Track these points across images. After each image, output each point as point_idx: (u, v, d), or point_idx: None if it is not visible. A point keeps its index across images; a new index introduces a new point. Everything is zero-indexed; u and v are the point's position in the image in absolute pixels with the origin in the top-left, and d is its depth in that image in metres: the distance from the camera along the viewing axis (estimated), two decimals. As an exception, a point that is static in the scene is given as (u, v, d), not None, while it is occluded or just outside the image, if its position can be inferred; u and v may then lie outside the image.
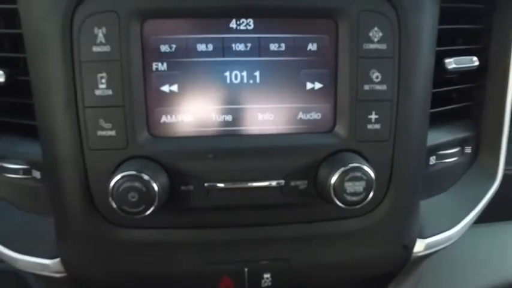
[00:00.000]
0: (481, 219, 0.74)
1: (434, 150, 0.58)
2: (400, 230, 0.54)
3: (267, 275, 0.51)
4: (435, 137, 0.58)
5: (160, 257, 0.51)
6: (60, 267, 0.52)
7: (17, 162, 0.54)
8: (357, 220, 0.52)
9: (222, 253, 0.51)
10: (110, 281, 0.52)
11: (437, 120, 0.58)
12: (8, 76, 0.51)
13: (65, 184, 0.48)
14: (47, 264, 0.52)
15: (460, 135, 0.61)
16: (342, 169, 0.46)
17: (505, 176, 0.64)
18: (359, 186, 0.46)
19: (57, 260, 0.52)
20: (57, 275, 0.52)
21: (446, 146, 0.60)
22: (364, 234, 0.52)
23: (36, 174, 0.54)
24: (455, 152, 0.61)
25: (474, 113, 0.63)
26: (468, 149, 0.62)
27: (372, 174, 0.46)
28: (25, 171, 0.54)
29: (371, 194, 0.46)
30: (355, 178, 0.46)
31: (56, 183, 0.49)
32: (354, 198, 0.46)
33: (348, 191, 0.46)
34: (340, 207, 0.47)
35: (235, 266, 0.51)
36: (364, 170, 0.46)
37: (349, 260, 0.53)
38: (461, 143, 0.61)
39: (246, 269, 0.50)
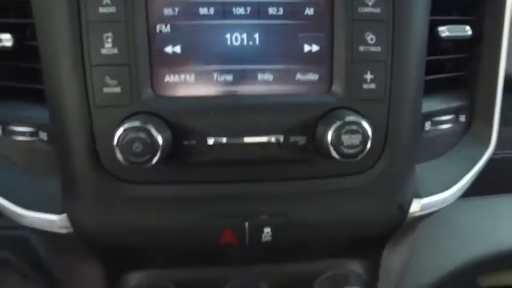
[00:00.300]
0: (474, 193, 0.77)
1: (429, 116, 0.60)
2: (396, 189, 0.55)
3: (267, 230, 0.52)
4: (430, 106, 0.60)
5: (163, 211, 0.52)
6: (66, 223, 0.53)
7: (24, 125, 0.56)
8: (354, 178, 0.53)
9: (223, 207, 0.52)
10: (114, 236, 0.53)
11: (432, 89, 0.60)
12: (15, 41, 0.53)
13: (72, 142, 0.50)
14: (54, 220, 0.54)
15: (454, 104, 0.63)
16: (339, 123, 0.47)
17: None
18: (356, 139, 0.47)
19: (64, 215, 0.54)
20: (63, 231, 0.54)
21: (440, 113, 0.62)
22: (361, 192, 0.54)
23: (43, 135, 0.55)
24: (450, 119, 0.62)
25: (468, 83, 0.65)
26: (462, 118, 0.64)
27: (368, 129, 0.48)
28: (32, 134, 0.56)
29: (367, 147, 0.48)
30: (351, 131, 0.47)
31: (63, 141, 0.51)
32: (351, 151, 0.48)
33: (345, 144, 0.47)
34: (337, 162, 0.49)
35: (236, 219, 0.52)
36: (360, 124, 0.48)
37: (346, 217, 0.54)
38: (455, 112, 0.63)
39: (246, 223, 0.52)
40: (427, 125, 0.61)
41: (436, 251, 0.73)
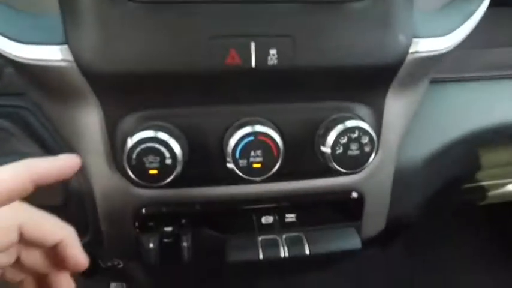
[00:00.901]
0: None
1: None
2: (397, 20, 0.56)
3: (272, 51, 0.52)
4: None
5: (171, 31, 0.51)
6: (68, 55, 0.52)
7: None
8: (355, 4, 0.54)
9: (229, 27, 0.52)
10: (118, 61, 0.52)
11: None
12: None
13: None
14: (55, 51, 0.52)
15: None
16: None
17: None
18: None
19: (65, 46, 0.52)
20: (64, 64, 0.52)
21: None
22: (364, 19, 0.54)
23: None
24: None
25: None
26: None
27: None
28: None
29: None
30: None
31: None
32: None
33: None
34: None
35: (242, 39, 0.52)
36: None
37: (349, 44, 0.55)
38: None
39: (252, 43, 0.52)
40: (423, -24, 0.62)
41: (434, 124, 0.73)
